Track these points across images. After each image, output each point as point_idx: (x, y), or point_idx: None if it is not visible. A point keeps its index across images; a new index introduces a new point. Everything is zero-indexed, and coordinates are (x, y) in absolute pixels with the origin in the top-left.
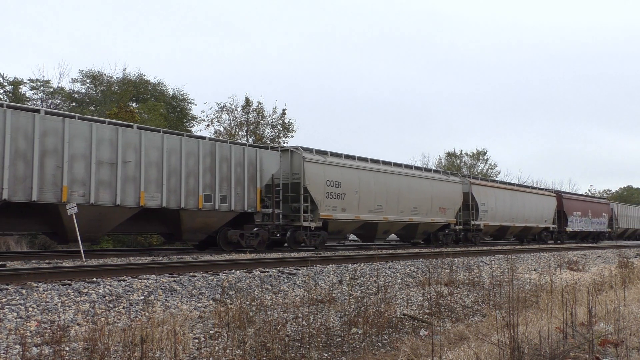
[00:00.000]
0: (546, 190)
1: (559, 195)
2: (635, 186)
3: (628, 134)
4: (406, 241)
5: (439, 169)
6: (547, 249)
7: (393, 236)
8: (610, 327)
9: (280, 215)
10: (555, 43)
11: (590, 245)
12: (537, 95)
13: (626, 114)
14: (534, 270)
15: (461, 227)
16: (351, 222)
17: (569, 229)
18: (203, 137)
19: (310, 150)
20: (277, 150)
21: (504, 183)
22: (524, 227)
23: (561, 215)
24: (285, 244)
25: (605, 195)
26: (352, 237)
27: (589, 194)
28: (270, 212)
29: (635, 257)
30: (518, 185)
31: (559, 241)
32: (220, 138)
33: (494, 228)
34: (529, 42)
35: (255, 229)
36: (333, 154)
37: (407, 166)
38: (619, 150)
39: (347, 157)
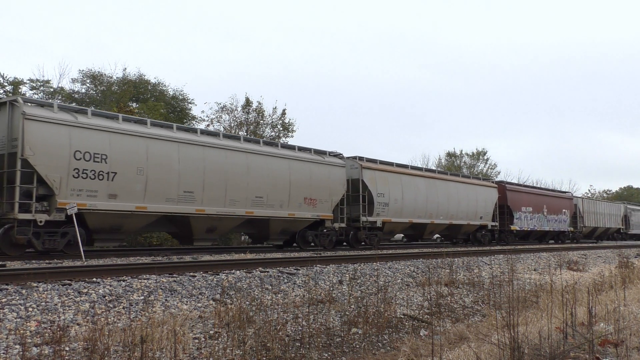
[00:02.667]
0: (483, 179)
1: (501, 186)
2: (635, 186)
3: (628, 134)
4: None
5: (310, 148)
6: (547, 249)
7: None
8: (610, 327)
9: None
10: (556, 43)
11: (590, 245)
12: (537, 95)
13: (627, 114)
14: (534, 270)
15: (344, 224)
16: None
17: (515, 227)
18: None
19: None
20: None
21: (419, 169)
22: (449, 224)
23: (505, 211)
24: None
25: (605, 195)
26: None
27: (548, 187)
28: None
29: (635, 257)
30: (439, 172)
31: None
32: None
33: (402, 226)
34: (529, 42)
35: None
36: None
37: (247, 139)
38: (619, 150)
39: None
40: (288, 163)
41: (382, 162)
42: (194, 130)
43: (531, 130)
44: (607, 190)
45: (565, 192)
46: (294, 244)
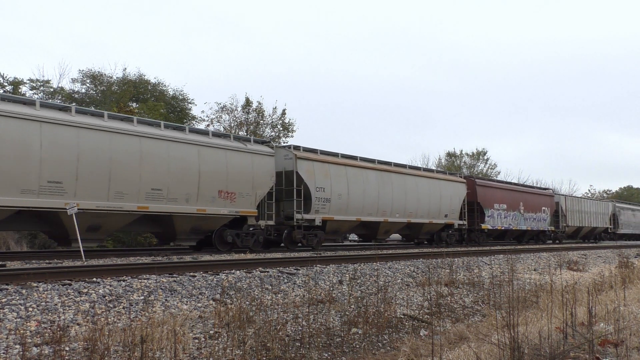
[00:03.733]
0: (450, 174)
1: (470, 181)
2: (635, 186)
3: (628, 134)
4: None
5: (229, 134)
6: (547, 249)
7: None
8: (610, 327)
9: None
10: (556, 43)
11: (590, 245)
12: (538, 95)
13: (627, 114)
14: (534, 270)
15: (272, 222)
16: None
17: (486, 226)
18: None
19: None
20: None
21: (370, 161)
22: (408, 223)
23: (476, 208)
24: None
25: (605, 195)
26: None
27: (525, 183)
28: None
29: (635, 257)
30: (396, 164)
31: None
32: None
33: (349, 225)
34: (529, 42)
35: None
36: None
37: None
38: (619, 150)
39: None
40: (197, 150)
41: (323, 153)
42: (67, 109)
43: (531, 130)
44: (607, 190)
45: (546, 189)
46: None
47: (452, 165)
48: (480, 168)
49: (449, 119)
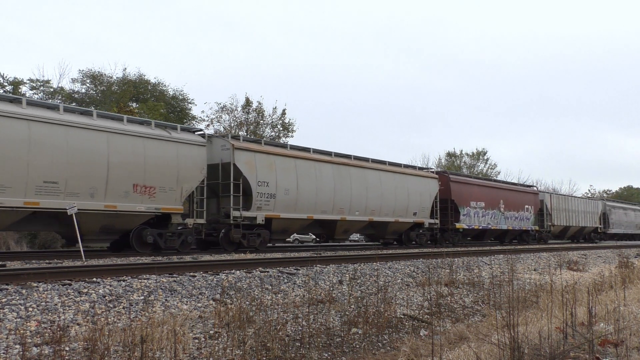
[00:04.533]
0: (419, 169)
1: (444, 176)
2: (635, 186)
3: (628, 134)
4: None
5: (150, 120)
6: (547, 249)
7: None
8: (610, 327)
9: None
10: (556, 42)
11: (590, 245)
12: (538, 95)
13: (627, 114)
14: (534, 270)
15: (202, 220)
16: None
17: (461, 225)
18: None
19: None
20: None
21: (326, 153)
22: (370, 222)
23: (450, 207)
24: None
25: (605, 195)
26: None
27: (506, 180)
28: None
29: (635, 257)
30: (356, 158)
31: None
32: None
33: (300, 223)
34: (529, 42)
35: None
36: None
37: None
38: (619, 150)
39: None
40: (106, 138)
41: (269, 143)
42: None
43: (531, 130)
44: (607, 190)
45: (530, 186)
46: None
47: (452, 165)
48: (480, 168)
49: (449, 119)
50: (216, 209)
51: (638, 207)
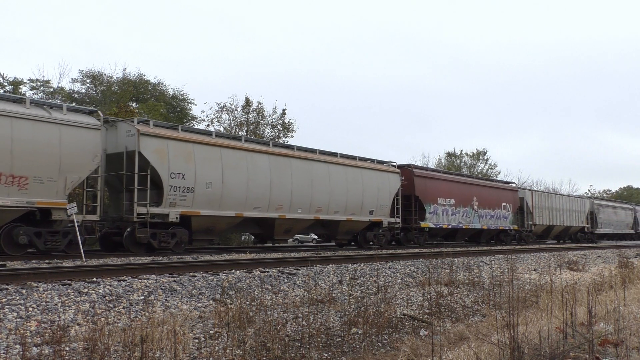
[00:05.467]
0: (378, 162)
1: (407, 170)
2: (635, 186)
3: (628, 134)
4: None
5: (25, 97)
6: (548, 249)
7: None
8: (610, 327)
9: None
10: (556, 42)
11: (590, 245)
12: (538, 95)
13: (627, 114)
14: (534, 270)
15: (95, 217)
16: None
17: (427, 224)
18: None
19: None
20: None
21: (262, 143)
22: (316, 220)
23: (414, 204)
24: None
25: (605, 195)
26: None
27: (483, 176)
28: None
29: (635, 257)
30: (300, 148)
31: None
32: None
33: (228, 221)
34: (529, 42)
35: None
36: None
37: None
38: (619, 150)
39: None
40: None
41: (187, 130)
42: None
43: (531, 130)
44: (607, 190)
45: (508, 183)
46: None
47: (452, 165)
48: (480, 168)
49: (449, 119)
50: (127, 205)
51: (629, 206)
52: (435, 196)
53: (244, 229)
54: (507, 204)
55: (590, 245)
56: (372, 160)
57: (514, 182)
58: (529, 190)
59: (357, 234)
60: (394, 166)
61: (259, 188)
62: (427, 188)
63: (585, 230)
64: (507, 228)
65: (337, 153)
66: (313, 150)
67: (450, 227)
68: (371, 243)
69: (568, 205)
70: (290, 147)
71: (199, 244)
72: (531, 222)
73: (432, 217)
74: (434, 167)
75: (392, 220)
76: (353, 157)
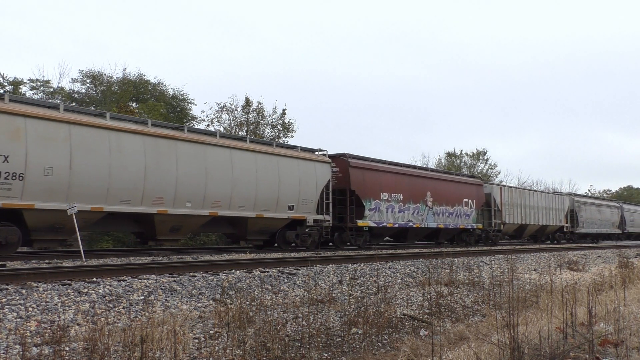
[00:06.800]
0: (302, 149)
1: (341, 160)
2: (635, 186)
3: (629, 134)
4: None
5: None
6: (547, 249)
7: None
8: (610, 327)
9: None
10: (556, 43)
11: (590, 245)
12: (538, 95)
13: (627, 113)
14: (534, 270)
15: None
16: None
17: (366, 223)
18: None
19: None
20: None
21: (139, 122)
22: (213, 217)
23: (348, 198)
24: None
25: (605, 195)
26: None
27: (436, 168)
28: None
29: (635, 257)
30: (191, 130)
31: (349, 244)
32: None
33: (80, 217)
34: (529, 42)
35: None
36: None
37: None
38: (619, 150)
39: None
40: None
41: (17, 100)
42: None
43: (531, 130)
44: (607, 190)
45: (471, 177)
46: None
47: (452, 165)
48: (480, 168)
49: (449, 119)
50: None
51: (615, 204)
52: (376, 190)
53: (115, 227)
54: (470, 200)
55: (590, 245)
56: (296, 148)
57: (478, 177)
58: (498, 185)
59: (274, 233)
60: (325, 155)
61: (128, 176)
62: (367, 181)
63: (565, 229)
64: (469, 227)
65: (246, 137)
66: (212, 133)
67: (397, 226)
68: (293, 245)
69: (544, 203)
70: (179, 127)
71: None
72: (500, 220)
73: (374, 215)
74: (379, 158)
75: (320, 217)
76: (268, 143)
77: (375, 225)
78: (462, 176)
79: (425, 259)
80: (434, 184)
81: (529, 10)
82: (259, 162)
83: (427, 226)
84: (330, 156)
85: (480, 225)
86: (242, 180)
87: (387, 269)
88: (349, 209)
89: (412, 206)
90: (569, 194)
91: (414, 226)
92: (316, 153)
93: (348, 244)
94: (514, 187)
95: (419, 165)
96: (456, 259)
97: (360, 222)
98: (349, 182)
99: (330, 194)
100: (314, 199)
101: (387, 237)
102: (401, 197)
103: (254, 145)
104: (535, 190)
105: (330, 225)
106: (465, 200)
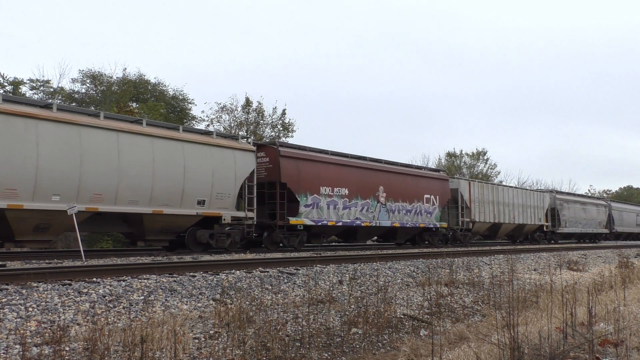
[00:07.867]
0: (219, 135)
1: (270, 149)
2: (635, 186)
3: (628, 134)
4: None
5: None
6: (547, 249)
7: None
8: (610, 327)
9: None
10: (556, 43)
11: (590, 245)
12: (538, 95)
13: (627, 113)
14: (534, 270)
15: None
16: None
17: (300, 221)
18: None
19: None
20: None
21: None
22: (92, 212)
23: (280, 194)
24: None
25: (605, 195)
26: None
27: (390, 160)
28: None
29: (635, 257)
30: (61, 109)
31: (282, 245)
32: None
33: None
34: (529, 42)
35: None
36: None
37: None
38: (619, 150)
39: None
40: None
41: None
42: None
43: (531, 130)
44: (607, 190)
45: (435, 170)
46: None
47: (452, 165)
48: (480, 168)
49: (449, 119)
50: None
51: (602, 202)
52: (314, 184)
53: None
54: (432, 197)
55: (590, 245)
56: (210, 133)
57: (443, 170)
58: (466, 180)
59: (184, 232)
60: (249, 142)
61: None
62: (301, 173)
63: (545, 229)
64: (431, 226)
65: (141, 120)
66: (93, 114)
67: (340, 224)
68: (212, 245)
69: (521, 200)
70: (46, 105)
71: None
72: (469, 219)
73: (311, 212)
74: (319, 148)
75: (241, 214)
76: (172, 127)
77: (313, 223)
78: (423, 169)
79: (425, 259)
80: (387, 177)
81: (530, 10)
82: (156, 148)
83: (380, 225)
84: (258, 144)
85: (444, 224)
86: (133, 170)
87: (387, 268)
88: (279, 204)
89: (361, 202)
90: (550, 191)
91: (363, 225)
92: (240, 141)
93: (281, 245)
94: (484, 183)
95: (370, 157)
96: (456, 259)
97: (293, 220)
98: (279, 174)
99: (255, 187)
100: (232, 193)
101: (334, 237)
102: (346, 191)
103: (151, 129)
104: (509, 186)
105: (254, 223)
106: (426, 196)
